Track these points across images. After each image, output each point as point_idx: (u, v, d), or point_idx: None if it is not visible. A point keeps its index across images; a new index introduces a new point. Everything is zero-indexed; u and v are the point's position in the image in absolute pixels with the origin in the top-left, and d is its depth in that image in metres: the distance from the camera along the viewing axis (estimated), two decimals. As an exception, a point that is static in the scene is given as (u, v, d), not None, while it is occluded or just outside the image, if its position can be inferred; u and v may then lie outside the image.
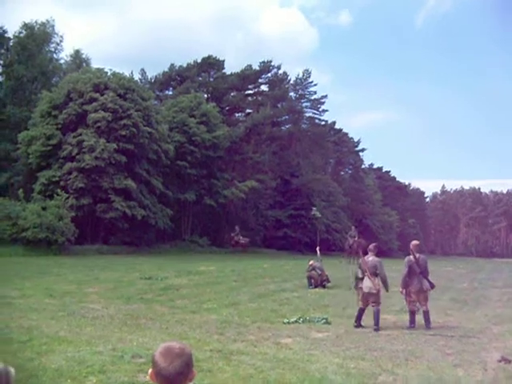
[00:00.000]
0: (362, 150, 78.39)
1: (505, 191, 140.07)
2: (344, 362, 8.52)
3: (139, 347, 8.75)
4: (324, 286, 19.66)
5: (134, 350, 8.53)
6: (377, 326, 11.55)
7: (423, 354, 9.29)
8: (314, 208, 27.69)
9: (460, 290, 20.16)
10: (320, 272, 20.07)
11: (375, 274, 11.84)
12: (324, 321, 12.31)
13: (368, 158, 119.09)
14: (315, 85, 65.73)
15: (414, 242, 12.52)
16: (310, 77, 65.13)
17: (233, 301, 15.34)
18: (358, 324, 11.79)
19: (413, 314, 12.03)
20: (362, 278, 11.94)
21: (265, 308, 14.29)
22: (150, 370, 2.48)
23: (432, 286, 12.17)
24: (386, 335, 11.06)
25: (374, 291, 11.75)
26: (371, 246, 12.31)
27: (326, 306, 14.90)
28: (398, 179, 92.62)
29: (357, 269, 12.15)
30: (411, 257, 12.12)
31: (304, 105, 65.56)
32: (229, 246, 49.73)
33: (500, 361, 8.78)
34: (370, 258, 11.99)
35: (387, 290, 12.20)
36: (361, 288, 11.92)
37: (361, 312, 11.82)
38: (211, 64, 59.53)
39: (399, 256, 55.42)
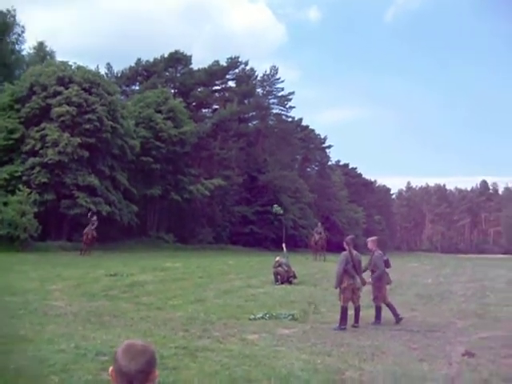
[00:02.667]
0: (329, 146, 78.87)
1: (469, 188, 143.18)
2: (311, 357, 8.52)
3: (103, 345, 8.61)
4: (290, 283, 19.68)
5: (98, 347, 8.40)
6: (357, 323, 11.57)
7: (389, 349, 9.36)
8: (275, 205, 27.59)
9: (425, 286, 20.42)
10: (286, 268, 20.09)
11: (360, 270, 11.86)
12: (290, 317, 12.31)
13: (335, 155, 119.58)
14: (282, 81, 65.93)
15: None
16: (277, 73, 65.27)
17: (198, 297, 15.24)
18: (344, 324, 11.38)
19: (379, 309, 12.15)
20: (349, 274, 11.63)
21: (231, 304, 14.24)
22: (110, 368, 2.42)
23: (364, 283, 12.05)
24: (352, 331, 11.13)
25: (362, 287, 11.81)
26: (348, 239, 12.09)
27: (293, 302, 14.90)
28: (364, 176, 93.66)
29: (343, 264, 11.64)
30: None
31: (271, 101, 65.66)
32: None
33: (464, 355, 8.91)
34: (354, 252, 11.89)
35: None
36: (350, 285, 11.63)
37: (345, 311, 11.48)
38: (178, 59, 59.15)
39: (365, 252, 55.94)
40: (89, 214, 33.15)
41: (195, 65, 60.80)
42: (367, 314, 12.69)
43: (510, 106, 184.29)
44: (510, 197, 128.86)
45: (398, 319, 12.00)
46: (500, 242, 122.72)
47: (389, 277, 12.55)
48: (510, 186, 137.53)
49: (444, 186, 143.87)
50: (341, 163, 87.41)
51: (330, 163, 79.99)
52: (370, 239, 12.94)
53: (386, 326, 11.60)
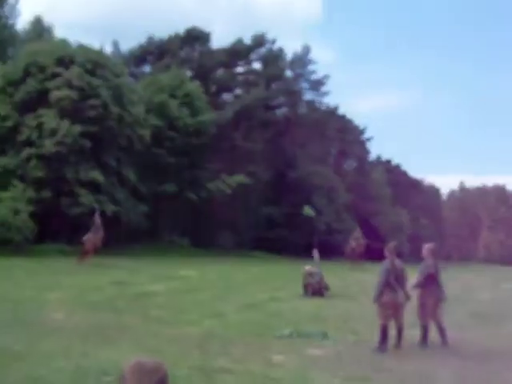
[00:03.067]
0: (369, 139, 78.53)
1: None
2: (344, 383, 8.51)
3: (107, 363, 8.69)
4: (322, 296, 19.66)
5: (101, 366, 8.48)
6: (400, 344, 11.50)
7: (437, 377, 9.29)
8: (306, 206, 27.46)
9: (481, 302, 20.22)
10: (318, 279, 20.07)
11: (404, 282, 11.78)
12: (322, 336, 12.30)
13: (376, 149, 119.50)
14: (316, 63, 66.01)
15: (429, 246, 12.54)
16: (309, 53, 65.08)
17: (216, 311, 15.31)
18: (384, 345, 11.39)
19: (426, 329, 12.03)
20: (391, 288, 11.57)
21: (253, 320, 14.27)
22: None
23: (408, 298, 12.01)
24: (393, 353, 11.07)
25: (407, 303, 11.73)
26: (390, 246, 12.05)
27: (325, 319, 14.88)
28: (409, 174, 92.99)
29: (384, 275, 11.60)
30: (429, 262, 12.14)
31: (302, 86, 65.54)
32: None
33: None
34: (396, 261, 11.83)
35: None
36: (391, 300, 11.59)
37: (386, 330, 11.47)
38: (196, 37, 59.40)
39: (410, 261, 55.60)
40: (95, 214, 32.71)
41: (215, 43, 61.10)
42: (412, 334, 12.61)
43: None
44: None
45: (445, 342, 11.87)
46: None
47: (442, 291, 12.28)
48: None
49: (504, 186, 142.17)
50: (382, 159, 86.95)
51: (369, 159, 79.64)
52: (426, 246, 12.76)
53: (433, 350, 11.51)
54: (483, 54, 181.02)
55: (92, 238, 28.75)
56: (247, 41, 61.23)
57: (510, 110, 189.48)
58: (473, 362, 10.53)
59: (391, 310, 11.53)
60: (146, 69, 60.68)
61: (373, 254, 39.53)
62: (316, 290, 19.78)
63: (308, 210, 27.74)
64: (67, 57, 39.09)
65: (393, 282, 11.54)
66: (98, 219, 29.74)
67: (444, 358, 10.70)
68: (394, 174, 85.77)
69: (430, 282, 12.14)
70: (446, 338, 11.93)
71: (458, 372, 9.68)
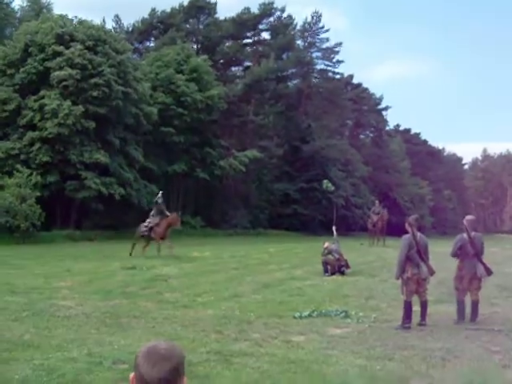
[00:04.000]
0: (386, 108, 78.14)
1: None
2: (368, 363, 8.51)
3: (121, 351, 8.74)
4: (343, 273, 19.64)
5: (115, 354, 8.52)
6: (424, 321, 11.49)
7: (464, 352, 9.26)
8: (325, 180, 27.34)
9: (508, 275, 20.12)
10: (337, 256, 20.05)
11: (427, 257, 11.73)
12: (343, 314, 12.31)
13: (393, 118, 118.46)
14: (328, 30, 65.32)
15: (469, 217, 12.46)
16: (320, 20, 64.69)
17: (233, 292, 15.34)
18: (408, 323, 11.35)
19: (462, 305, 11.96)
20: (413, 262, 11.56)
21: (272, 300, 14.30)
22: (131, 375, 2.45)
23: (489, 273, 12.08)
24: (418, 330, 11.06)
25: (430, 278, 11.70)
26: (411, 220, 12.00)
27: (346, 297, 14.89)
28: (429, 143, 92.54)
29: (405, 250, 11.54)
30: (464, 235, 12.04)
31: (314, 55, 65.27)
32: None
33: (557, 358, 8.76)
34: (419, 235, 11.79)
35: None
36: (414, 275, 11.54)
37: (409, 307, 11.45)
38: (201, 8, 59.09)
39: (433, 235, 55.52)
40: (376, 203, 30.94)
41: (221, 14, 61.15)
42: (437, 310, 12.60)
43: None
44: None
45: (460, 321, 11.78)
46: None
47: (478, 266, 12.12)
48: None
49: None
50: (401, 128, 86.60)
51: (387, 128, 79.31)
52: (466, 217, 12.66)
53: (459, 325, 11.48)
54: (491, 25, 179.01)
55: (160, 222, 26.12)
56: (255, 10, 60.94)
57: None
58: (501, 336, 10.49)
59: (414, 286, 11.50)
60: (150, 44, 60.50)
61: (393, 228, 39.45)
62: (336, 267, 19.77)
63: (328, 184, 27.74)
64: (67, 34, 39.01)
65: (415, 257, 11.50)
66: (161, 203, 27.24)
67: (471, 334, 10.67)
68: (413, 143, 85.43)
69: (465, 256, 12.02)
70: (476, 314, 11.87)
71: (485, 347, 9.65)
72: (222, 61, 60.59)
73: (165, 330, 10.68)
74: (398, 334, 10.69)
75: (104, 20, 52.08)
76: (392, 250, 24.66)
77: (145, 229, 26.21)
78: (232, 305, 13.49)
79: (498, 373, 8.08)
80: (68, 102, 36.62)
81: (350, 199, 59.03)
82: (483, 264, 12.00)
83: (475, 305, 11.90)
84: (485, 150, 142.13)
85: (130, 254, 24.84)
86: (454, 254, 12.16)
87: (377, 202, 39.86)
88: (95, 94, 37.62)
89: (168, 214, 26.82)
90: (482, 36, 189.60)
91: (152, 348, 2.45)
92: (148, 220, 26.60)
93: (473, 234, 12.03)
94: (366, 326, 11.31)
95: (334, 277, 19.05)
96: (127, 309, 12.84)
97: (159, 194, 27.47)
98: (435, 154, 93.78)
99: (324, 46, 64.72)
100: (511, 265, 24.06)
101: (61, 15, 42.54)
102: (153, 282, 17.13)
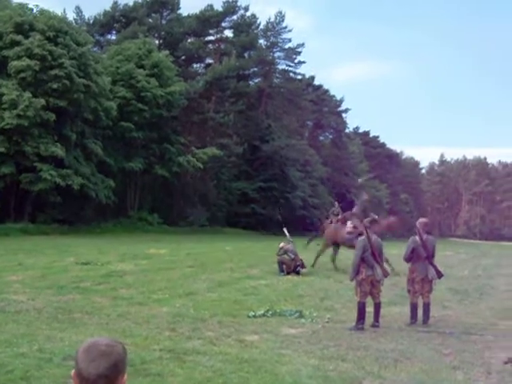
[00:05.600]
0: (346, 110, 78.75)
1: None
2: (321, 363, 8.54)
3: (72, 347, 8.62)
4: (298, 273, 19.73)
5: (66, 350, 8.42)
6: (378, 322, 11.60)
7: (416, 354, 9.37)
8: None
9: (461, 279, 20.47)
10: (293, 256, 20.13)
11: (382, 259, 11.90)
12: (298, 314, 12.34)
13: (353, 121, 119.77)
14: (290, 30, 65.60)
15: (422, 220, 12.65)
16: (283, 21, 64.90)
17: (188, 290, 15.29)
18: (361, 324, 11.45)
19: (415, 307, 12.12)
20: (368, 264, 11.70)
21: (226, 299, 14.28)
22: (73, 371, 2.42)
23: (440, 275, 12.27)
24: (371, 332, 11.15)
25: (384, 280, 11.84)
26: (367, 222, 12.17)
27: (301, 297, 14.95)
28: (388, 146, 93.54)
29: (360, 252, 11.72)
30: (417, 237, 12.19)
31: (276, 55, 65.46)
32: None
33: (507, 362, 8.91)
34: (374, 237, 11.92)
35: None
36: (368, 277, 11.68)
37: (363, 308, 11.52)
38: (164, 3, 58.79)
39: (389, 237, 56.07)
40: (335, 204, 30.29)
41: (184, 10, 61.06)
42: (390, 311, 12.74)
43: None
44: None
45: (412, 322, 11.96)
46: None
47: (430, 269, 12.29)
48: None
49: (485, 159, 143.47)
50: (360, 130, 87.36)
51: (346, 130, 79.91)
52: (419, 220, 12.84)
53: (412, 327, 11.63)
54: (453, 28, 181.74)
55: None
56: (218, 7, 60.94)
57: (491, 80, 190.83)
58: (452, 338, 10.65)
59: (368, 287, 11.62)
60: (112, 37, 59.99)
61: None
62: (291, 267, 19.85)
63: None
64: (27, 24, 38.44)
65: (369, 259, 11.62)
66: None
67: (423, 336, 10.81)
68: (371, 146, 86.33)
69: (417, 258, 12.20)
70: (427, 316, 12.06)
71: (437, 349, 9.79)
72: (183, 57, 60.37)
73: (118, 327, 10.59)
74: (352, 334, 10.77)
75: (65, 11, 51.46)
76: (349, 252, 24.87)
77: None
78: (186, 303, 13.44)
79: (449, 374, 8.20)
80: (28, 94, 36.06)
81: (307, 200, 59.31)
82: (434, 267, 12.19)
83: (427, 307, 12.10)
84: (442, 155, 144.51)
85: None
86: (407, 257, 12.34)
87: (336, 203, 40.04)
88: (55, 86, 37.12)
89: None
90: (444, 39, 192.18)
91: (92, 344, 2.42)
92: None
93: (425, 236, 12.22)
94: (319, 327, 11.37)
95: (289, 276, 19.13)
96: (80, 304, 12.70)
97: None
98: (393, 158, 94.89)
99: (286, 47, 64.99)
100: (464, 268, 24.52)
101: (20, 4, 41.87)
102: (108, 277, 16.98)
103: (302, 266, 20.27)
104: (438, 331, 11.22)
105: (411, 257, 12.28)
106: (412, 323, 11.89)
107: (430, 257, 12.20)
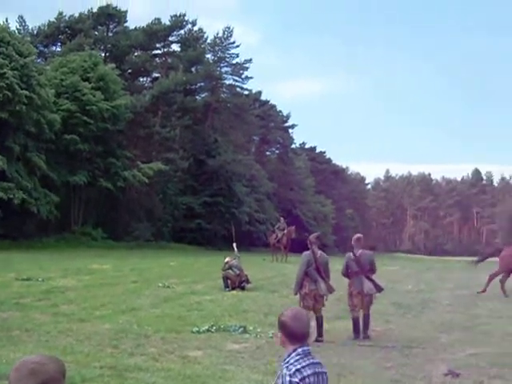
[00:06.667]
0: (292, 126, 79.28)
1: (459, 178, 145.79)
2: (264, 378, 8.57)
3: (9, 365, 8.43)
4: (243, 288, 19.75)
5: (2, 368, 8.26)
6: (321, 337, 11.71)
7: (358, 368, 9.49)
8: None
9: (404, 293, 20.77)
10: (238, 271, 20.14)
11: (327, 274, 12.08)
12: (242, 329, 12.37)
13: (299, 136, 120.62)
14: (238, 46, 65.70)
15: (356, 236, 12.94)
16: (231, 36, 65.03)
17: (131, 306, 15.16)
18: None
19: (357, 321, 12.29)
20: (311, 278, 11.88)
21: (170, 314, 14.22)
22: None
23: (379, 289, 12.50)
24: (315, 346, 11.22)
25: (328, 294, 12.00)
26: (312, 238, 12.39)
27: (245, 312, 14.97)
28: (334, 162, 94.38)
29: (304, 266, 11.98)
30: (351, 253, 12.50)
31: (224, 70, 65.47)
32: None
33: (447, 374, 9.10)
34: (319, 252, 12.13)
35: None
36: (311, 291, 11.85)
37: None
38: (110, 15, 58.39)
39: (335, 253, 56.61)
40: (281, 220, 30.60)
41: (131, 23, 60.52)
42: (334, 326, 12.86)
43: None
44: (507, 189, 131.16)
45: (355, 336, 12.17)
46: (494, 243, 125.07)
47: (366, 283, 12.54)
48: (506, 175, 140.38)
49: (429, 175, 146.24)
50: (306, 146, 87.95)
51: (293, 146, 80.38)
52: (354, 236, 13.19)
53: (356, 342, 11.77)
54: (410, 41, 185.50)
55: None
56: (166, 21, 60.78)
57: (435, 97, 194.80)
58: (394, 352, 10.81)
59: (312, 302, 11.75)
60: (56, 48, 59.22)
61: (296, 245, 39.97)
62: (236, 282, 19.86)
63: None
64: (-34, 32, 37.64)
65: (313, 273, 11.76)
66: None
67: (366, 350, 10.94)
68: (318, 161, 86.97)
69: (352, 273, 12.47)
70: (367, 328, 12.27)
71: (379, 363, 9.92)
72: (130, 70, 59.99)
73: (59, 344, 10.45)
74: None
75: (7, 20, 50.51)
76: (292, 266, 24.95)
77: None
78: (130, 319, 13.33)
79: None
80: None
81: (253, 215, 59.42)
82: (372, 281, 12.43)
83: (367, 318, 12.34)
84: (387, 171, 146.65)
85: None
86: (344, 273, 12.67)
87: (282, 218, 40.37)
88: (-4, 97, 36.44)
89: None
90: (391, 56, 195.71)
91: (22, 362, 2.40)
92: None
93: (360, 251, 12.51)
94: (263, 342, 11.43)
95: (234, 292, 19.12)
96: (20, 321, 12.47)
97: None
98: (339, 173, 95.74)
99: (234, 62, 65.10)
100: (408, 283, 24.86)
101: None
102: (49, 293, 16.71)
103: (247, 281, 20.30)
104: (380, 345, 11.39)
105: (347, 272, 12.61)
106: (355, 337, 12.06)
107: (366, 271, 12.45)
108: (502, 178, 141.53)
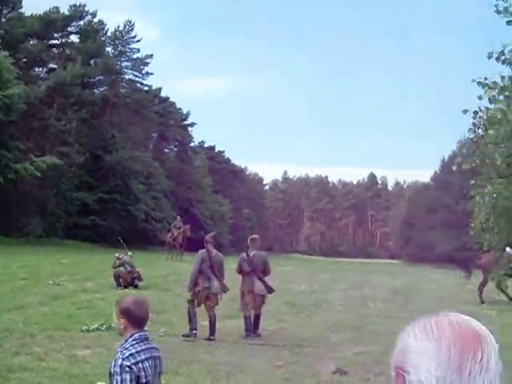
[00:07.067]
0: (192, 124, 79.08)
1: (355, 182, 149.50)
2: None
3: None
4: (136, 287, 19.55)
5: None
6: (214, 336, 11.75)
7: (249, 366, 9.56)
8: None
9: (297, 293, 21.12)
10: (130, 268, 19.91)
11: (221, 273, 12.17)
12: (132, 328, 12.23)
13: (198, 135, 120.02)
14: (139, 40, 64.97)
15: (252, 237, 13.16)
16: (133, 30, 64.27)
17: (19, 304, 14.71)
18: (192, 333, 11.93)
19: (248, 320, 12.42)
20: (205, 276, 11.94)
21: (59, 313, 13.89)
22: None
23: (270, 290, 12.69)
24: (206, 345, 11.25)
25: (223, 293, 12.08)
26: (208, 237, 12.49)
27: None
28: (233, 162, 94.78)
29: (198, 264, 12.06)
30: (245, 254, 12.69)
31: (124, 64, 64.63)
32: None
33: (335, 372, 9.31)
34: (214, 251, 12.21)
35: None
36: (205, 289, 11.91)
37: (193, 316, 12.03)
38: (4, 0, 56.43)
39: (232, 253, 56.95)
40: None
41: (27, 9, 58.19)
42: (226, 325, 12.93)
43: (407, 88, 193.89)
44: (401, 193, 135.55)
45: (247, 334, 12.33)
46: (387, 245, 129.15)
47: (257, 283, 12.74)
48: (400, 180, 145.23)
49: (326, 177, 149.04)
50: (205, 145, 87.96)
51: (192, 144, 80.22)
52: (250, 237, 13.50)
53: (248, 340, 11.86)
54: (311, 42, 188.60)
55: None
56: (64, 10, 59.21)
57: (329, 98, 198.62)
58: (286, 351, 10.96)
59: (203, 299, 11.84)
60: None
61: (193, 244, 39.88)
62: (128, 279, 19.63)
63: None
64: None
65: (207, 271, 11.83)
66: None
67: (257, 348, 11.04)
68: (216, 161, 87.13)
69: (244, 273, 12.63)
70: (257, 327, 12.45)
71: (270, 361, 10.03)
72: (25, 59, 58.09)
73: None
74: (186, 348, 10.82)
75: None
76: (187, 265, 24.87)
77: None
78: (16, 317, 12.92)
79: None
80: None
81: (150, 213, 58.90)
82: (263, 282, 12.63)
83: (257, 318, 12.52)
84: (285, 172, 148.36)
85: None
86: (238, 271, 12.86)
87: (178, 216, 40.19)
88: None
89: None
90: (288, 56, 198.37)
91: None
92: None
93: (254, 252, 12.69)
94: (154, 340, 11.30)
95: (126, 290, 18.87)
96: None
97: None
98: (237, 173, 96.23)
99: (134, 56, 64.36)
100: (302, 283, 25.28)
101: None
102: None
103: (139, 278, 20.10)
104: (272, 344, 11.53)
105: (241, 271, 12.81)
106: (247, 336, 12.17)
107: (258, 272, 12.63)
108: (397, 183, 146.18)
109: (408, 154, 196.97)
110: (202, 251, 12.22)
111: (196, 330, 11.79)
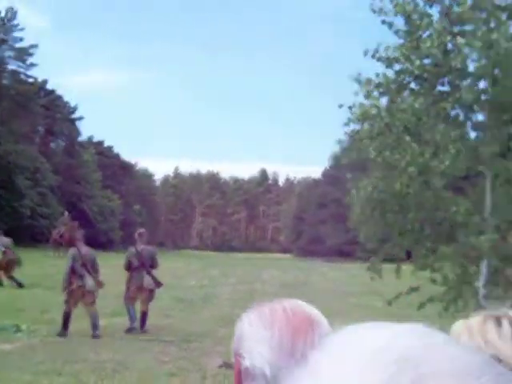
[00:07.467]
0: (80, 118, 77.47)
1: (246, 177, 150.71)
2: (35, 378, 8.31)
3: None
4: (21, 285, 19.06)
5: None
6: (97, 332, 11.64)
7: (135, 363, 9.48)
8: None
9: (186, 289, 21.14)
10: (3, 249, 19.63)
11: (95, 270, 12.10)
12: (15, 329, 11.93)
13: (87, 129, 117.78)
14: (23, 29, 62.87)
15: (139, 231, 13.20)
16: (16, 17, 62.08)
17: None
18: (65, 331, 11.73)
19: (131, 312, 12.41)
20: (78, 274, 11.81)
21: None
22: None
23: (158, 285, 12.71)
24: (91, 343, 11.07)
25: (97, 290, 11.97)
26: (78, 234, 12.50)
27: (20, 311, 14.43)
28: (122, 157, 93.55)
29: (70, 262, 11.94)
30: (133, 248, 12.70)
31: (6, 54, 62.40)
32: None
33: (221, 366, 9.35)
34: (84, 248, 12.14)
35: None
36: (79, 287, 11.78)
37: (68, 316, 11.79)
38: None
39: (121, 249, 56.28)
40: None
41: None
42: (112, 322, 12.79)
43: (298, 84, 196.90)
44: (291, 189, 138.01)
45: (130, 329, 12.33)
46: (279, 240, 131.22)
47: (144, 278, 12.74)
48: (291, 176, 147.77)
49: (218, 173, 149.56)
50: (94, 140, 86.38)
51: (80, 139, 78.61)
52: (137, 231, 13.56)
53: (133, 336, 11.76)
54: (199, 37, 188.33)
55: None
56: None
57: (218, 95, 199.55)
58: (173, 346, 10.93)
59: (79, 298, 11.77)
60: None
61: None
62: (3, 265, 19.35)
63: None
64: None
65: (79, 269, 11.81)
66: None
67: (144, 345, 10.97)
68: (105, 156, 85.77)
69: (133, 268, 12.60)
70: (144, 323, 12.44)
71: (156, 357, 9.98)
72: None
73: None
74: (70, 347, 10.62)
75: None
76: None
77: None
78: None
79: (165, 382, 8.40)
80: None
81: (36, 209, 57.29)
82: (152, 276, 12.67)
83: (144, 315, 12.49)
84: (176, 168, 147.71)
85: None
86: (126, 266, 12.82)
87: (66, 212, 39.35)
88: None
89: None
90: (182, 51, 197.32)
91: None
92: None
93: (142, 247, 12.77)
94: (37, 341, 11.07)
95: (9, 289, 18.39)
96: None
97: None
98: (127, 169, 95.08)
99: (18, 46, 62.29)
100: (192, 279, 25.33)
101: None
102: None
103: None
104: (159, 339, 11.49)
105: (129, 266, 12.78)
106: (131, 329, 12.16)
107: (146, 266, 12.66)
108: (287, 179, 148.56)
109: (299, 150, 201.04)
110: (72, 249, 12.23)
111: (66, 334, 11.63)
